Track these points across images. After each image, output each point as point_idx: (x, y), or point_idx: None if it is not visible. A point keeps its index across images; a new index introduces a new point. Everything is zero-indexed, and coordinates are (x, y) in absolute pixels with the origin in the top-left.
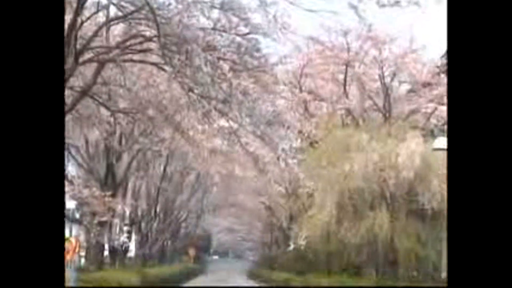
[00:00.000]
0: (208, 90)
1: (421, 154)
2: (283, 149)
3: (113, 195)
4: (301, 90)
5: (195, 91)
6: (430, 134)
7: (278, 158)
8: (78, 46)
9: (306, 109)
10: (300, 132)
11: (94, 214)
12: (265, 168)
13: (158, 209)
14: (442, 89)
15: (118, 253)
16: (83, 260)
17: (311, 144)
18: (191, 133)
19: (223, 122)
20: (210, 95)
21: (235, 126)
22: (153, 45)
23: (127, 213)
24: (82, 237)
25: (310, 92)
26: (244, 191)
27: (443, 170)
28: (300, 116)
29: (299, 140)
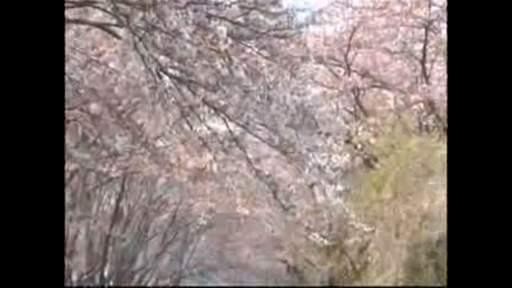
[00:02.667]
0: (192, 71)
1: None
2: (319, 170)
3: None
4: (349, 71)
5: (170, 71)
6: None
7: (311, 186)
8: None
9: (357, 102)
10: (348, 141)
11: None
12: (287, 203)
13: (106, 273)
14: None
15: None
16: None
17: (366, 162)
18: (161, 143)
19: (216, 125)
20: (195, 79)
21: (237, 130)
22: None
23: None
24: None
25: (364, 74)
26: (251, 242)
27: None
28: (348, 115)
29: (346, 156)
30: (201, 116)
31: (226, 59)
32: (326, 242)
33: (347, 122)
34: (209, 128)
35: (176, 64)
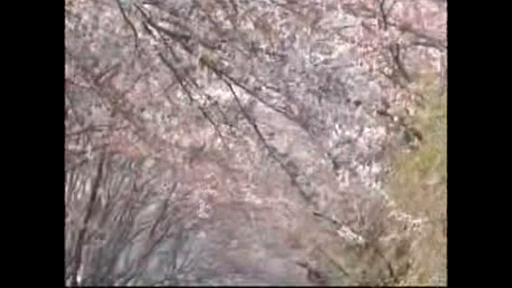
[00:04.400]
0: (186, 24)
1: None
2: (348, 147)
3: None
4: (385, 24)
5: (160, 25)
6: None
7: (336, 166)
8: None
9: (396, 63)
10: (383, 112)
11: None
12: (308, 189)
13: (79, 278)
14: None
15: None
16: None
17: (407, 138)
18: (148, 115)
19: (218, 91)
20: (191, 34)
21: (244, 98)
22: None
23: None
24: None
25: (404, 28)
26: (263, 240)
27: None
28: (384, 79)
29: (382, 130)
30: (199, 81)
31: (230, 9)
32: (357, 239)
33: (382, 88)
34: (209, 96)
35: (166, 15)
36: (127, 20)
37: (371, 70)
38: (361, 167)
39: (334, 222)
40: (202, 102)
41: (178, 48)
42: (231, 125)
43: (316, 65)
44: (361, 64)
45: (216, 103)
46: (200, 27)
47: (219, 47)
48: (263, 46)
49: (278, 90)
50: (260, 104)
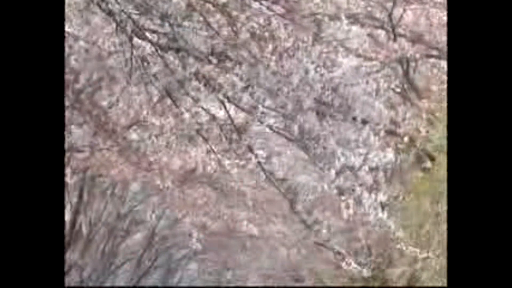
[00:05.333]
0: (179, 34)
1: None
2: (352, 172)
3: None
4: (394, 35)
5: (148, 35)
6: None
7: (341, 194)
8: None
9: (406, 78)
10: (392, 132)
11: None
12: (310, 217)
13: None
14: None
15: None
16: None
17: (418, 161)
18: (134, 135)
19: (213, 109)
20: (183, 45)
21: (239, 117)
22: None
23: None
24: None
25: (415, 40)
26: (260, 271)
27: None
28: (394, 96)
29: (390, 153)
30: (191, 97)
31: (226, 17)
32: (363, 271)
33: (391, 106)
34: (204, 111)
35: (157, 23)
36: (117, 29)
37: (378, 86)
38: (366, 194)
39: (338, 253)
40: (194, 120)
41: (170, 60)
42: (225, 147)
43: (318, 81)
44: (367, 82)
45: (210, 121)
46: (193, 37)
47: (214, 60)
48: (263, 58)
49: (276, 109)
50: (257, 124)
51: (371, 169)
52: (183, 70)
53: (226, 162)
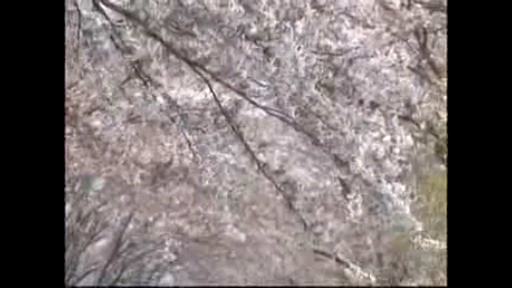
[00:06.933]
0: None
1: None
2: (361, 162)
3: None
4: (409, 1)
5: None
6: None
7: (346, 190)
8: None
9: (423, 52)
10: (407, 117)
11: None
12: (310, 217)
13: None
14: None
15: None
16: None
17: (438, 150)
18: (97, 121)
19: (187, 90)
20: (149, 13)
21: (226, 98)
22: None
23: None
24: None
25: (433, 7)
26: (248, 284)
27: None
28: (409, 73)
29: (405, 140)
30: (163, 76)
31: None
32: (372, 281)
33: (405, 85)
34: (181, 91)
35: None
36: None
37: (391, 62)
38: (384, 183)
39: (340, 261)
40: (167, 103)
41: (132, 31)
42: (208, 133)
43: (320, 56)
44: (378, 55)
45: (187, 104)
46: (161, 7)
47: (189, 33)
48: (248, 23)
49: (267, 87)
50: (246, 105)
51: (381, 159)
52: (153, 43)
53: (208, 155)
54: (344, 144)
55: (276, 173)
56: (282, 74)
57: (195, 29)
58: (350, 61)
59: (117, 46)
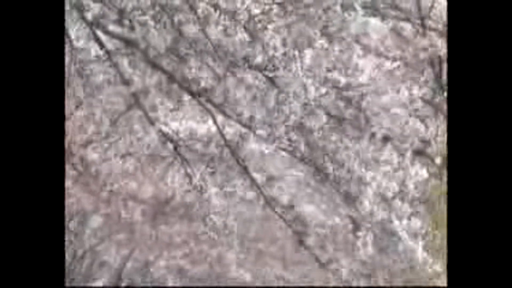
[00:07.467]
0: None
1: None
2: (374, 198)
3: None
4: (423, 28)
5: (110, 28)
6: None
7: (357, 228)
8: None
9: (438, 83)
10: (421, 152)
11: None
12: (323, 254)
13: None
14: None
15: None
16: None
17: None
18: (94, 154)
19: (188, 123)
20: (149, 43)
21: (230, 132)
22: None
23: None
24: None
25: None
26: None
27: None
28: (422, 106)
29: (420, 175)
30: (163, 107)
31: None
32: None
33: (420, 119)
34: (183, 123)
35: (115, 18)
36: (68, 20)
37: (403, 94)
38: (396, 222)
39: None
40: (170, 135)
41: (135, 61)
42: (212, 168)
43: (328, 87)
44: (390, 86)
45: (191, 137)
46: (160, 34)
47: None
48: (256, 60)
49: (273, 124)
50: (253, 139)
51: (395, 195)
52: (152, 74)
53: (212, 190)
54: (353, 181)
55: (286, 208)
56: (288, 104)
57: (193, 60)
58: (362, 96)
59: (113, 77)
